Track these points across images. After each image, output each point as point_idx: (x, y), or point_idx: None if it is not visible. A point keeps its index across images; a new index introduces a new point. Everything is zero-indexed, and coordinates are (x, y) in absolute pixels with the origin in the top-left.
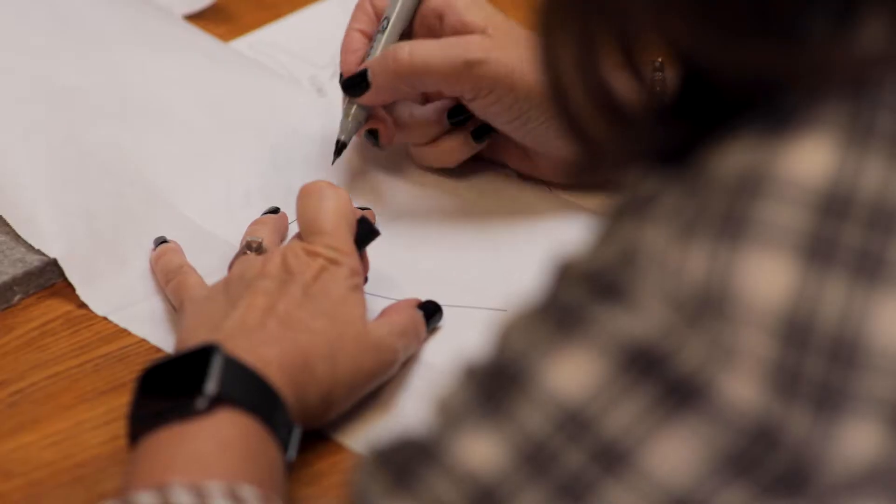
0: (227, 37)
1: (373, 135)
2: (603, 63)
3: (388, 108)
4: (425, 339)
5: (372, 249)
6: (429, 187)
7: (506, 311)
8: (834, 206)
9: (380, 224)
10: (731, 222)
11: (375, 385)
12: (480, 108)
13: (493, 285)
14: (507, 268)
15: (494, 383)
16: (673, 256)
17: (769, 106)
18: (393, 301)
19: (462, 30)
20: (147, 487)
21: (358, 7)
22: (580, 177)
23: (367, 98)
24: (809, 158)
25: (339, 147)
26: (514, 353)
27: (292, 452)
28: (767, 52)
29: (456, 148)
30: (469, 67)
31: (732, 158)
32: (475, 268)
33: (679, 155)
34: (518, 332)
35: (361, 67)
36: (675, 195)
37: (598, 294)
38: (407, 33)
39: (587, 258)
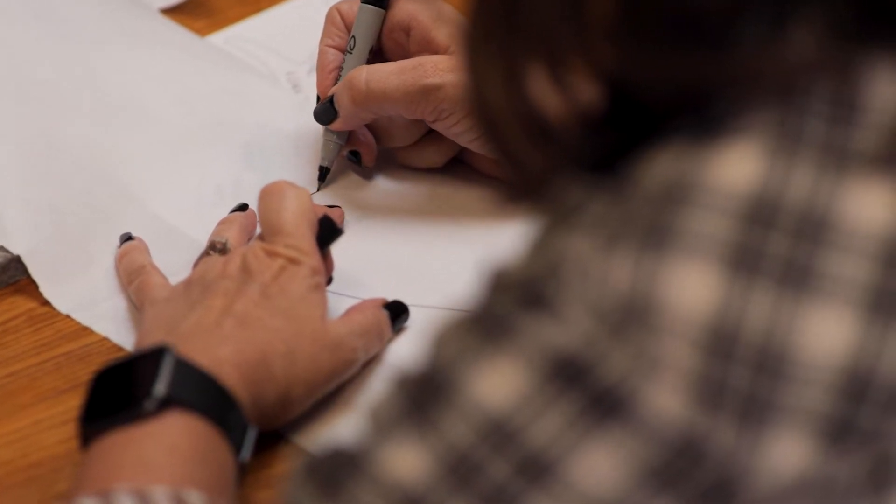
0: (206, 31)
1: (355, 156)
2: (528, 83)
3: None
4: (390, 340)
5: (339, 248)
6: (398, 185)
7: None
8: (760, 214)
9: (347, 223)
10: (656, 232)
11: (335, 385)
12: (443, 129)
13: (462, 285)
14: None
15: (423, 393)
16: (597, 266)
17: (698, 115)
18: (359, 300)
19: (427, 47)
20: (91, 493)
21: (328, 20)
22: (516, 196)
23: (336, 125)
24: (736, 167)
25: (323, 173)
26: (443, 362)
27: (246, 454)
28: (697, 64)
29: (440, 148)
30: (426, 93)
31: (659, 167)
32: (444, 267)
33: (607, 164)
34: (449, 342)
35: (330, 93)
36: (602, 204)
37: (526, 304)
38: (376, 49)
39: (518, 267)
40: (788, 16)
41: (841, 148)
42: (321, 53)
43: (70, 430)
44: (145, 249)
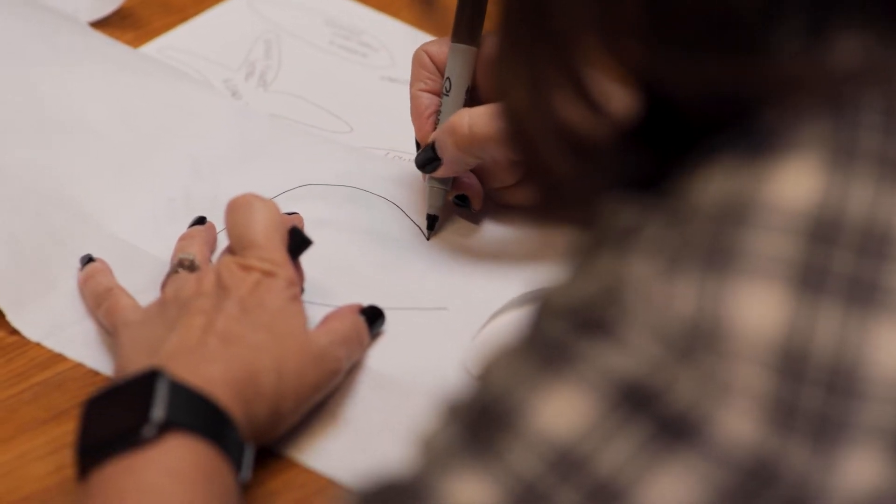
0: (135, 43)
1: (462, 200)
2: (558, 98)
3: None
4: (369, 345)
5: (306, 257)
6: (358, 189)
7: (447, 309)
8: (822, 232)
9: (308, 230)
10: (718, 254)
11: (322, 396)
12: None
13: (431, 284)
14: (444, 266)
15: (480, 422)
16: (659, 291)
17: (744, 128)
18: (333, 308)
19: None
20: None
21: (416, 63)
22: (549, 216)
23: (440, 172)
24: (794, 183)
25: (432, 221)
26: (500, 390)
27: (247, 472)
28: (731, 68)
29: None
30: None
31: (714, 185)
32: (413, 268)
33: (653, 182)
34: (502, 369)
35: (431, 139)
36: (658, 226)
37: (584, 330)
38: (470, 87)
39: (567, 292)
40: (826, 22)
41: None
42: (414, 98)
43: (58, 459)
44: (109, 271)
